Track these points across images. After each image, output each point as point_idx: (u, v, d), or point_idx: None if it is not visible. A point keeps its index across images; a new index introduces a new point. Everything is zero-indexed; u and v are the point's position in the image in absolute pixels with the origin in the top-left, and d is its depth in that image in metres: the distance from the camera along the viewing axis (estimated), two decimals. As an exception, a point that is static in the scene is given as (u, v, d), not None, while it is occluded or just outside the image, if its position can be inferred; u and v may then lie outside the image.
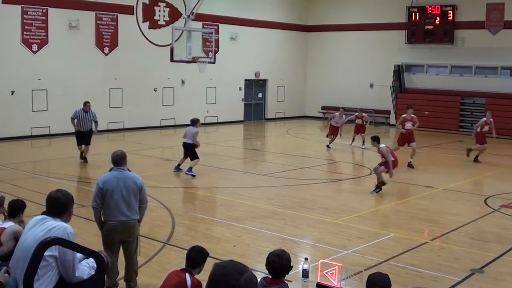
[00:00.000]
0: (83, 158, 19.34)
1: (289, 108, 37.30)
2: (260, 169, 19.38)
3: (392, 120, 34.24)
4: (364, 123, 24.84)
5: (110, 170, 8.20)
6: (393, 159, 15.68)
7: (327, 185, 17.20)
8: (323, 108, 37.28)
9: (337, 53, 36.58)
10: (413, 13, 33.38)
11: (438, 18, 32.70)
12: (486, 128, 21.32)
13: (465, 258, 10.43)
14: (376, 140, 15.79)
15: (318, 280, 6.40)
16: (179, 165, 17.81)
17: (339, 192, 16.21)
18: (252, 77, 34.78)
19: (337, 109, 35.98)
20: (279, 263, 5.59)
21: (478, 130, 21.35)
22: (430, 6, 32.83)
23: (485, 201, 15.15)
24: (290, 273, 5.70)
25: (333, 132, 24.27)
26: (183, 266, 6.48)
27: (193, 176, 17.11)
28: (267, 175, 17.93)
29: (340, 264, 6.36)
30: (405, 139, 20.35)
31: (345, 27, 35.88)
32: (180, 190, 15.76)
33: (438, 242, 11.50)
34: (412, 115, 20.77)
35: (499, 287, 9.22)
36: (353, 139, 24.97)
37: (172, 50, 23.03)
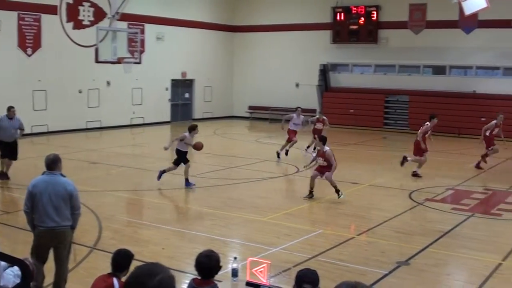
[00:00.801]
0: (4, 175, 16.68)
1: (217, 108, 37.26)
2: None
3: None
4: (324, 126, 22.28)
5: (43, 174, 8.01)
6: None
7: (255, 184, 17.26)
8: (250, 108, 37.44)
9: (263, 53, 36.77)
10: (338, 13, 33.87)
11: (362, 18, 33.29)
12: (496, 130, 20.06)
13: (391, 251, 10.68)
14: (323, 140, 14.99)
15: (248, 279, 6.43)
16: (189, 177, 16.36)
17: (267, 190, 16.27)
18: (179, 77, 34.56)
19: (264, 108, 36.41)
20: (208, 264, 5.58)
21: (488, 134, 20.04)
22: (355, 7, 33.41)
23: (409, 195, 15.55)
24: (220, 273, 5.69)
25: (294, 136, 21.71)
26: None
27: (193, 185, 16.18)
28: (195, 175, 17.81)
29: (269, 262, 6.41)
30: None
31: (271, 27, 36.11)
32: (107, 193, 15.51)
33: (364, 237, 11.72)
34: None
35: (424, 278, 9.47)
36: (309, 146, 22.53)
37: (97, 50, 22.71)
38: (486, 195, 16.24)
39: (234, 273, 7.14)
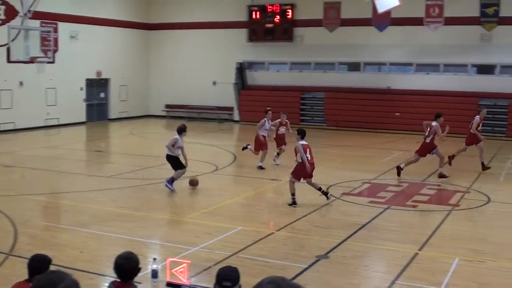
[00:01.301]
0: None
1: (133, 107, 36.74)
2: (105, 171, 18.98)
3: (236, 116, 34.82)
4: (289, 131, 19.71)
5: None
6: (308, 156, 14.18)
7: (174, 183, 17.10)
8: (166, 106, 37.14)
9: (180, 51, 36.56)
10: (254, 12, 34.07)
11: (277, 16, 33.59)
12: (480, 126, 19.27)
13: (310, 245, 10.84)
14: (300, 134, 14.43)
15: (168, 279, 6.38)
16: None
17: (186, 190, 16.14)
18: (94, 76, 33.90)
19: (181, 107, 36.18)
20: (127, 266, 5.49)
21: (473, 131, 19.07)
22: (270, 5, 33.66)
23: (327, 190, 15.77)
24: (139, 274, 5.62)
25: (264, 145, 19.26)
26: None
27: (172, 190, 15.27)
28: (112, 176, 17.58)
29: (189, 261, 6.39)
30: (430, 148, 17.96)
31: (188, 25, 35.97)
32: (22, 197, 15.05)
33: (284, 232, 11.82)
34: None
35: (343, 270, 9.64)
36: (278, 154, 20.03)
37: (8, 50, 22.05)
38: (402, 188, 16.65)
39: (154, 274, 7.08)
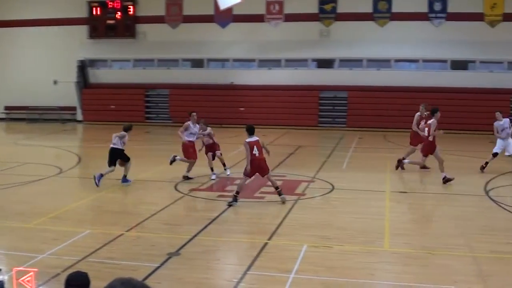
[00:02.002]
0: None
1: (-30, 110, 34.87)
2: None
3: (79, 116, 33.99)
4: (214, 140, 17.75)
5: None
6: (256, 152, 14.06)
7: (17, 188, 16.38)
8: (6, 108, 35.56)
9: (18, 50, 35.06)
10: (94, 8, 33.40)
11: (119, 12, 33.15)
12: (422, 123, 17.99)
13: (161, 244, 10.81)
14: (247, 131, 14.35)
15: (14, 289, 6.15)
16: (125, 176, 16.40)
17: (31, 194, 15.53)
18: None
19: (21, 108, 34.73)
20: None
21: (415, 128, 18.22)
22: (111, 1, 33.13)
23: (175, 187, 15.82)
24: (-17, 286, 5.38)
25: (193, 153, 17.33)
26: None
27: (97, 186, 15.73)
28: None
29: (36, 269, 6.18)
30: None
31: (25, 22, 34.56)
32: None
33: (134, 232, 11.72)
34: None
35: (195, 266, 9.71)
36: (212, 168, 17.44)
37: None
38: (249, 180, 16.93)
39: (0, 285, 6.79)
